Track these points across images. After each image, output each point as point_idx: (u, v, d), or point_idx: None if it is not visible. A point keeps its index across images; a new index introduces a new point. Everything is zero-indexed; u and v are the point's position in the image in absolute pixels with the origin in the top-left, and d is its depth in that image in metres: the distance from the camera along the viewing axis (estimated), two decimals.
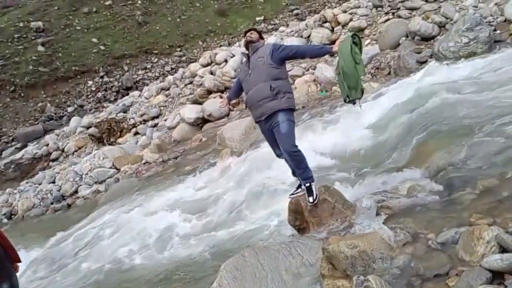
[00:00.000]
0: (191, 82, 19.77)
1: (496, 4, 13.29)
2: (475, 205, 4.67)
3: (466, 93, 8.33)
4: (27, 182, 17.13)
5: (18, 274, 5.67)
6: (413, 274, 3.92)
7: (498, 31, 12.05)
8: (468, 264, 3.74)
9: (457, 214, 4.63)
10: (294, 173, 5.90)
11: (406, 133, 8.04)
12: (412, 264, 4.01)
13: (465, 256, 3.82)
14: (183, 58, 32.46)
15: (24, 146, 23.94)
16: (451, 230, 4.23)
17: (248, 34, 5.86)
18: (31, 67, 31.14)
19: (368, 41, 15.90)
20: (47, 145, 21.04)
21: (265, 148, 8.00)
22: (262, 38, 5.99)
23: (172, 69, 30.84)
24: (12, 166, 20.51)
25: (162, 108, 19.47)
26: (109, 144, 18.31)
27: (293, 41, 17.50)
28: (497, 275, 3.45)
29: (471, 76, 9.50)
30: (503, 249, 3.67)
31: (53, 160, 19.76)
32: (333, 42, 6.71)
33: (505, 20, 12.49)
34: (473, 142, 6.22)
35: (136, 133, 18.80)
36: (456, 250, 3.95)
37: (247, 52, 5.80)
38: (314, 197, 5.37)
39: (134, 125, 19.35)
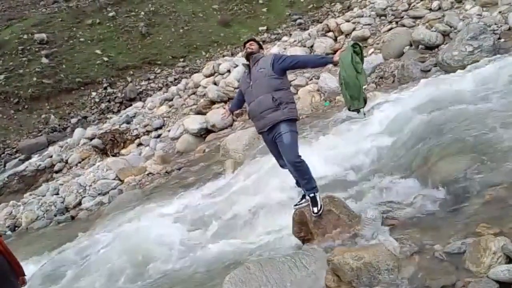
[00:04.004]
0: (194, 93, 19.76)
1: (500, 12, 13.29)
2: (482, 215, 4.64)
3: (471, 102, 8.29)
4: (30, 194, 17.09)
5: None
6: (419, 285, 3.89)
7: (502, 40, 12.04)
8: (475, 275, 3.70)
9: (463, 224, 4.59)
10: (298, 184, 5.87)
11: (411, 143, 8.00)
12: (419, 276, 3.98)
13: (472, 267, 3.79)
14: (186, 69, 32.48)
15: (28, 158, 23.88)
16: (457, 241, 4.20)
17: (247, 45, 5.85)
18: (35, 79, 31.21)
19: (372, 50, 15.90)
20: (51, 156, 21.00)
21: (269, 158, 7.98)
22: (262, 48, 5.98)
23: (175, 79, 30.79)
24: (16, 178, 20.47)
25: (165, 119, 19.46)
26: (113, 156, 18.27)
27: (296, 51, 17.49)
28: (504, 286, 3.42)
29: (475, 85, 9.45)
30: (510, 260, 3.64)
31: (57, 172, 19.72)
32: (336, 52, 6.70)
33: (509, 29, 12.48)
34: (479, 152, 6.18)
35: (140, 144, 18.76)
36: (462, 261, 3.92)
37: (248, 63, 5.80)
38: (319, 207, 5.35)
39: (137, 136, 19.32)
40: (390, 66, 14.16)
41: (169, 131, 18.07)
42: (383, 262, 4.10)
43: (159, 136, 18.45)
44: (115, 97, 31.00)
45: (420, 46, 13.91)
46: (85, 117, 29.51)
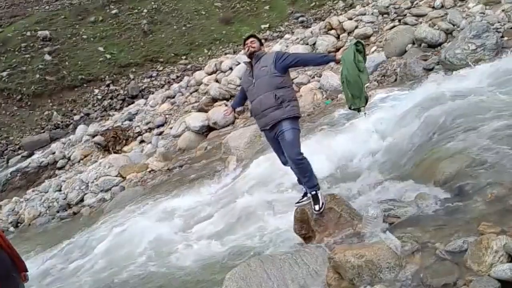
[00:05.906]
0: (196, 90, 19.75)
1: (503, 10, 13.23)
2: (484, 214, 4.62)
3: (473, 100, 8.28)
4: (33, 191, 17.14)
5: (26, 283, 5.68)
6: (420, 284, 3.88)
7: (505, 38, 11.97)
8: (476, 273, 3.69)
9: (465, 223, 4.58)
10: (300, 181, 5.87)
11: (413, 141, 7.99)
12: (420, 274, 3.97)
13: (473, 266, 3.77)
14: (188, 66, 32.42)
15: (31, 154, 23.94)
16: (459, 240, 4.18)
17: (249, 42, 5.80)
18: (37, 76, 31.28)
19: (374, 48, 15.85)
20: (53, 153, 21.02)
21: (271, 156, 7.98)
22: (262, 44, 5.95)
23: (177, 77, 30.74)
24: (19, 175, 20.49)
25: (167, 116, 19.43)
26: (115, 153, 18.27)
27: (298, 49, 17.48)
28: (505, 285, 3.41)
29: (478, 83, 9.45)
30: (511, 259, 3.62)
31: (59, 169, 19.70)
32: (338, 50, 6.70)
33: None
34: (481, 150, 6.17)
35: (142, 141, 18.75)
36: (464, 259, 3.91)
37: (249, 60, 5.77)
38: (320, 205, 5.34)
39: (139, 134, 19.30)
40: (392, 64, 14.10)
41: (171, 128, 18.05)
42: (384, 260, 4.10)
43: (161, 133, 18.43)
44: (118, 95, 31.06)
45: (423, 44, 13.85)
46: (88, 114, 29.57)
